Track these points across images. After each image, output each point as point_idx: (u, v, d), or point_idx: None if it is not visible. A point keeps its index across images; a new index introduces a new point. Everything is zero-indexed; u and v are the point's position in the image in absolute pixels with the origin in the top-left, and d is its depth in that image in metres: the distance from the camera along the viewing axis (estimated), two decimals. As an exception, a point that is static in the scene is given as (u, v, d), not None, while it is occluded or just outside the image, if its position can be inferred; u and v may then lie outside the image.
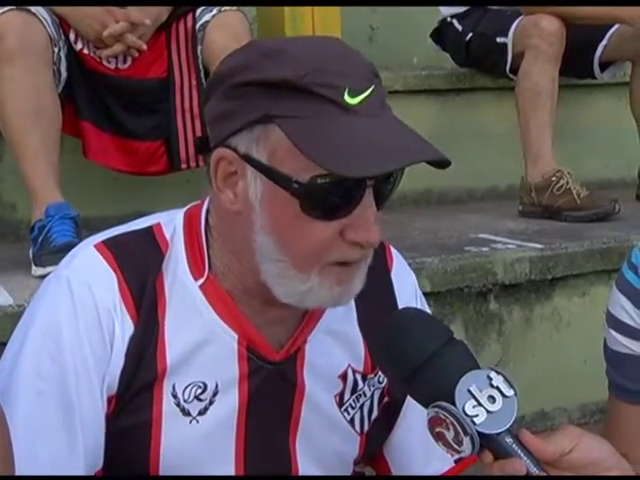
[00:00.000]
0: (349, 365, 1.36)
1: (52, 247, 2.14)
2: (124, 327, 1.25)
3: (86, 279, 1.25)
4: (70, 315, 1.24)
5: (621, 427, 1.44)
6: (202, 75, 2.45)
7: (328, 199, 1.16)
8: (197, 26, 2.44)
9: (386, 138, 1.16)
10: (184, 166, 2.48)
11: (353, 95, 1.15)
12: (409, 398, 1.31)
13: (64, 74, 2.35)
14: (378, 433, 1.41)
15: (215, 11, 2.43)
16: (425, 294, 1.48)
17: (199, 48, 2.43)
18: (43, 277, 2.09)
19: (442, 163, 1.19)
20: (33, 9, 2.26)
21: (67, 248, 2.09)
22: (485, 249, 2.46)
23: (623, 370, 1.43)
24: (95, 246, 1.29)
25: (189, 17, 2.45)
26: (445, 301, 2.38)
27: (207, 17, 2.43)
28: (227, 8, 2.44)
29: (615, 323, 1.43)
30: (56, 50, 2.31)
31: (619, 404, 1.45)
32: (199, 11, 2.45)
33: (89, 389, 1.24)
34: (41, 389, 1.23)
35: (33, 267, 2.17)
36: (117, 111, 2.45)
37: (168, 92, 2.45)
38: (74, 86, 2.40)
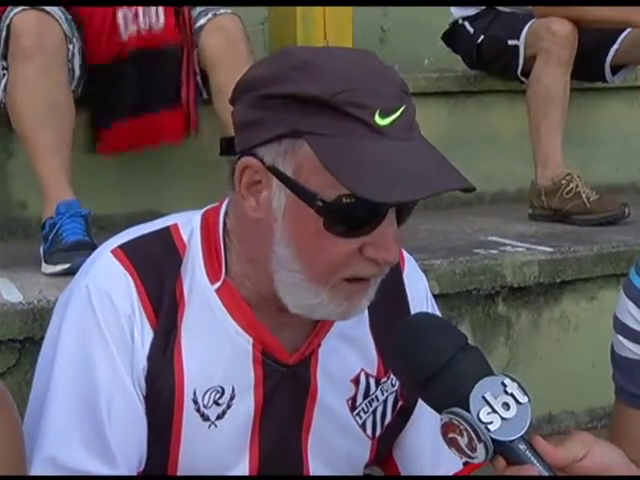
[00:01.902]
0: (362, 369, 1.36)
1: (63, 245, 2.15)
2: (144, 332, 1.26)
3: (105, 288, 1.26)
4: (95, 328, 1.25)
5: (628, 433, 1.44)
6: (199, 79, 2.47)
7: (351, 218, 1.17)
8: (194, 29, 2.45)
9: (413, 164, 1.15)
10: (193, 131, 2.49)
11: (384, 116, 1.15)
12: (420, 400, 1.32)
13: (77, 72, 2.36)
14: (390, 437, 1.41)
15: (210, 15, 2.45)
16: (433, 296, 1.48)
17: (195, 50, 2.45)
18: (53, 275, 2.11)
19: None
20: (47, 8, 2.27)
21: (77, 246, 2.12)
22: (494, 252, 2.46)
23: (630, 375, 1.43)
24: (112, 252, 1.29)
25: (187, 20, 2.45)
26: (453, 303, 2.38)
27: (203, 21, 2.45)
28: (223, 11, 2.45)
29: (622, 328, 1.43)
30: (71, 47, 2.32)
31: (626, 409, 1.45)
32: (195, 14, 2.46)
33: (124, 395, 1.25)
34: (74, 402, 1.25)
35: (43, 264, 2.17)
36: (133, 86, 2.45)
37: (179, 60, 2.45)
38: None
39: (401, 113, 1.16)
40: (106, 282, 1.27)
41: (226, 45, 2.38)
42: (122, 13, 2.40)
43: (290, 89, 1.16)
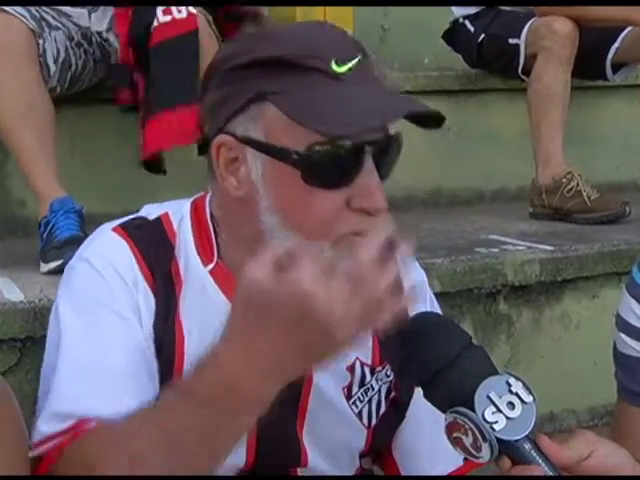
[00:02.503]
0: (357, 358, 1.36)
1: (56, 242, 2.15)
2: (147, 300, 1.27)
3: (106, 256, 1.28)
4: (102, 285, 1.26)
5: (631, 431, 1.44)
6: None
7: (328, 166, 1.18)
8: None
9: (376, 100, 1.18)
10: None
11: (340, 64, 1.18)
12: (417, 397, 1.32)
13: (53, 67, 2.33)
14: (385, 428, 1.41)
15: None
16: (434, 295, 1.48)
17: None
18: (48, 273, 2.10)
19: (435, 119, 1.20)
20: (9, 9, 2.24)
21: (71, 242, 2.11)
22: (495, 250, 2.46)
23: (632, 373, 1.43)
24: (113, 229, 1.32)
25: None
26: (454, 302, 2.38)
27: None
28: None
29: (624, 326, 1.43)
30: (41, 42, 2.28)
31: (628, 407, 1.45)
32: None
33: (138, 348, 1.25)
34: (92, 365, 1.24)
35: (41, 264, 2.17)
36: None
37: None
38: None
39: (358, 61, 1.19)
40: (108, 253, 1.29)
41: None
42: None
43: (248, 57, 1.19)
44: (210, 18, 2.45)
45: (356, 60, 1.19)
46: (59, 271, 2.06)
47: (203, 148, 1.29)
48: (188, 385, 1.10)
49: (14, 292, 1.98)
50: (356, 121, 1.15)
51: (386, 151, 1.21)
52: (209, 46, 2.38)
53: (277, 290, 1.01)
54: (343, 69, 1.18)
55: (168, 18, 2.35)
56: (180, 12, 2.37)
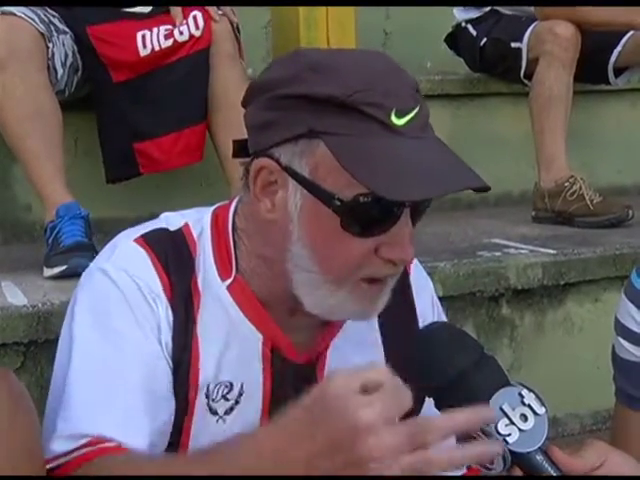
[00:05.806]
0: None
1: (61, 248, 2.15)
2: (167, 315, 1.26)
3: (127, 269, 1.27)
4: (120, 300, 1.25)
5: (629, 434, 1.44)
6: None
7: (368, 217, 1.17)
8: None
9: (429, 162, 1.17)
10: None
11: (399, 116, 1.16)
12: (425, 405, 1.32)
13: (60, 70, 2.33)
14: None
15: None
16: (438, 298, 1.49)
17: None
18: (52, 278, 2.10)
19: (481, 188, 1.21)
20: (18, 12, 2.24)
21: (76, 248, 2.11)
22: (498, 254, 2.46)
23: (631, 377, 1.43)
24: (135, 240, 1.30)
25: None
26: (457, 305, 2.38)
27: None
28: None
29: (623, 330, 1.43)
30: (50, 46, 2.28)
31: (626, 411, 1.45)
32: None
33: (152, 365, 1.24)
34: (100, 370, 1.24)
35: (44, 268, 2.17)
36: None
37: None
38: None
39: (416, 114, 1.18)
40: (127, 264, 1.27)
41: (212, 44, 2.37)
42: (141, 35, 2.37)
43: (306, 90, 1.17)
44: (234, 21, 2.45)
45: (415, 111, 1.17)
46: (63, 276, 2.07)
47: (238, 152, 1.28)
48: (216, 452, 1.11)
49: (18, 296, 1.99)
50: (407, 187, 1.13)
51: (423, 202, 1.22)
52: (230, 48, 2.39)
53: (344, 413, 0.99)
54: (402, 122, 1.16)
55: (170, 42, 2.36)
56: (198, 29, 2.37)
